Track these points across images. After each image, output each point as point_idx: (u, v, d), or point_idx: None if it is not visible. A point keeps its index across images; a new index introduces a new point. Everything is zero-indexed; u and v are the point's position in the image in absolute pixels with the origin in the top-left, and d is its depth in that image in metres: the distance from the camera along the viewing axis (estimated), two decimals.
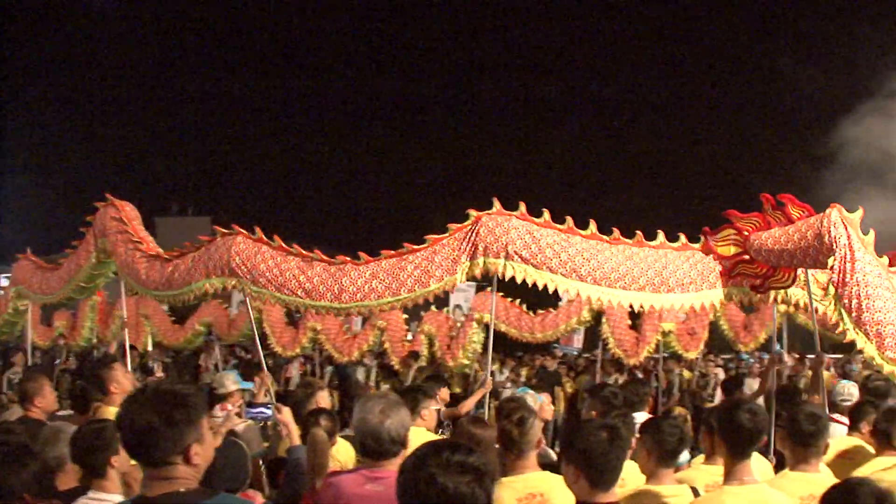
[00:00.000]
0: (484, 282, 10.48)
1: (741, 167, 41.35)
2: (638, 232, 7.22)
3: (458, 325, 15.40)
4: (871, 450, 5.46)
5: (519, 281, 7.08)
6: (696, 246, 7.24)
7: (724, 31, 52.54)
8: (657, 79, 52.98)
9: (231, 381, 7.60)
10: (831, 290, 6.91)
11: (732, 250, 7.54)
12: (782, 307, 8.76)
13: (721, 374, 15.41)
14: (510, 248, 7.02)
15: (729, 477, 3.98)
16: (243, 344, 18.60)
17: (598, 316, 14.20)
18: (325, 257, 7.45)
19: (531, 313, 15.10)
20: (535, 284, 7.16)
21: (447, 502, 2.33)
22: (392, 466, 3.66)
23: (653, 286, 7.12)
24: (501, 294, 14.89)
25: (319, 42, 61.18)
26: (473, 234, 7.14)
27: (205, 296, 8.32)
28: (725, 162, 43.92)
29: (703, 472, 4.83)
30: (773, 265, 7.33)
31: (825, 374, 14.89)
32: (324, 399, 6.93)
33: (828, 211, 6.80)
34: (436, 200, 39.92)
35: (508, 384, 15.40)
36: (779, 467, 5.35)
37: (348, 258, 7.41)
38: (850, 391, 7.64)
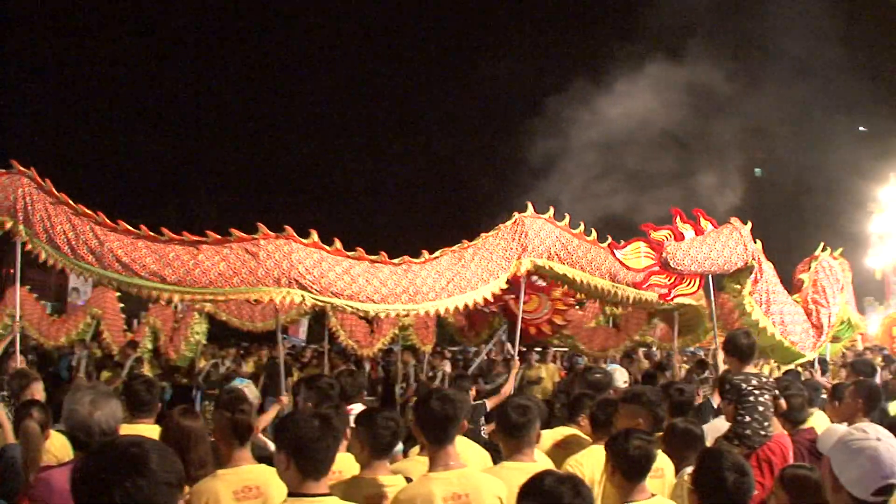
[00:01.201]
0: None
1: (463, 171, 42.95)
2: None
3: (181, 316, 15.03)
4: (588, 439, 5.66)
5: None
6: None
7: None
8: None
9: None
10: (749, 287, 9.13)
11: (644, 262, 8.60)
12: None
13: (448, 367, 15.88)
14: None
15: (433, 464, 4.07)
16: None
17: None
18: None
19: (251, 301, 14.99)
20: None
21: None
22: None
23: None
24: None
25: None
26: None
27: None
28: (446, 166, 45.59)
29: (419, 462, 4.73)
30: (692, 272, 8.76)
31: (552, 366, 15.93)
32: (38, 390, 6.60)
33: (739, 224, 8.87)
34: None
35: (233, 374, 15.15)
36: None
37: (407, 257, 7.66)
38: None
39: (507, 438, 4.55)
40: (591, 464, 4.94)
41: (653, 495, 4.18)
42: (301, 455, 3.38)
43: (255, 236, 7.22)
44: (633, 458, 4.07)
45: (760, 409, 5.67)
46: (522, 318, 10.80)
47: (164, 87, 51.09)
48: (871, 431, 3.03)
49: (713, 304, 9.54)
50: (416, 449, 5.24)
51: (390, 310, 7.62)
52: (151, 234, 7.18)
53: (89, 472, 2.27)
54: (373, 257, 7.61)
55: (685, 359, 19.31)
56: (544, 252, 8.15)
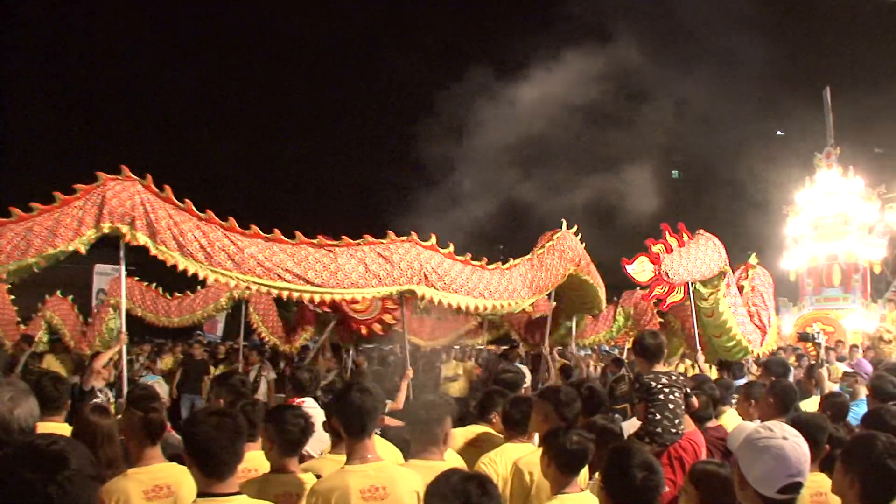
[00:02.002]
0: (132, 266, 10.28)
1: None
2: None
3: (95, 311, 14.73)
4: (499, 437, 5.66)
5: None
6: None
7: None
8: None
9: None
10: (723, 289, 10.20)
11: (648, 276, 9.36)
12: None
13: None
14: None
15: (350, 456, 4.06)
16: None
17: (237, 303, 14.18)
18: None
19: (168, 296, 14.78)
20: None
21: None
22: None
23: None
24: (137, 278, 14.53)
25: None
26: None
27: None
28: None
29: (330, 461, 4.70)
30: (683, 281, 9.69)
31: (468, 364, 16.02)
32: None
33: (710, 234, 10.16)
34: None
35: (144, 372, 14.90)
36: None
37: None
38: None
39: (415, 435, 4.54)
40: (503, 462, 4.95)
41: (582, 490, 4.25)
42: (201, 455, 3.33)
43: (384, 241, 8.35)
44: (571, 452, 4.13)
45: (671, 406, 5.74)
46: (353, 317, 11.59)
47: None
48: (777, 430, 3.08)
49: (694, 312, 10.15)
50: (328, 447, 5.18)
51: (488, 303, 8.95)
52: (283, 238, 7.90)
53: (12, 472, 2.22)
54: (475, 263, 8.99)
55: (595, 356, 19.70)
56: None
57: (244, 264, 7.66)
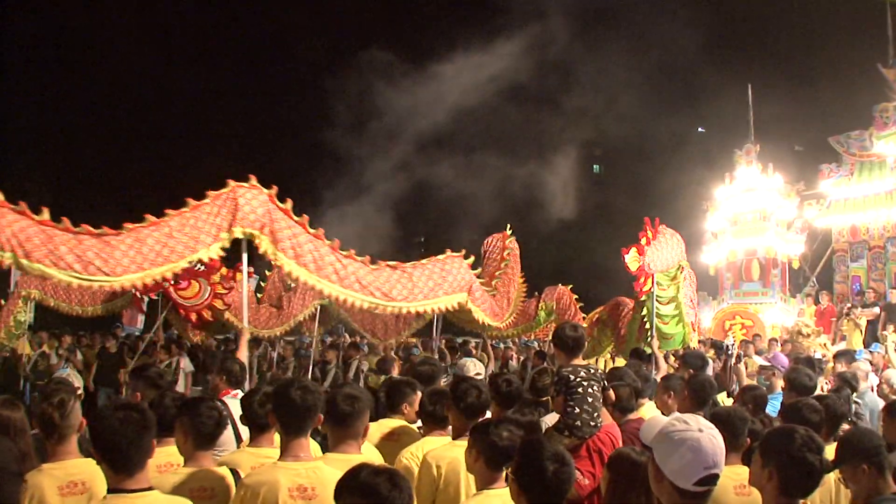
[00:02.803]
0: None
1: None
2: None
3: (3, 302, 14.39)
4: (415, 429, 5.74)
5: None
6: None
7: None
8: None
9: None
10: (679, 280, 11.31)
11: (636, 266, 10.34)
12: None
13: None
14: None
15: (284, 453, 4.03)
16: None
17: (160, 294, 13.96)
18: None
19: None
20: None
21: None
22: None
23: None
24: None
25: None
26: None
27: None
28: None
29: (249, 454, 4.71)
30: (655, 271, 10.62)
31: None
32: None
33: (671, 230, 11.21)
34: None
35: (64, 364, 14.58)
36: None
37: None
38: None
39: (334, 428, 4.46)
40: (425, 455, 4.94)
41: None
42: (108, 450, 3.30)
43: (442, 257, 9.69)
44: (501, 448, 4.09)
45: (589, 399, 5.75)
46: (182, 304, 11.99)
47: None
48: (692, 422, 3.10)
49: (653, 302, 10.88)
50: (246, 441, 5.11)
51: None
52: (358, 259, 8.92)
53: None
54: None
55: (515, 349, 19.82)
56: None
57: (346, 279, 8.68)
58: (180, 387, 12.81)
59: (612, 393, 6.06)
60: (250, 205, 8.10)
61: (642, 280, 10.55)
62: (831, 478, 4.66)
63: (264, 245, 8.16)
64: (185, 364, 13.75)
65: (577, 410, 5.73)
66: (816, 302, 21.52)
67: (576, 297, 15.02)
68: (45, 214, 7.05)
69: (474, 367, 7.81)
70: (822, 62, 39.45)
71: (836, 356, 11.39)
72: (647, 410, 6.85)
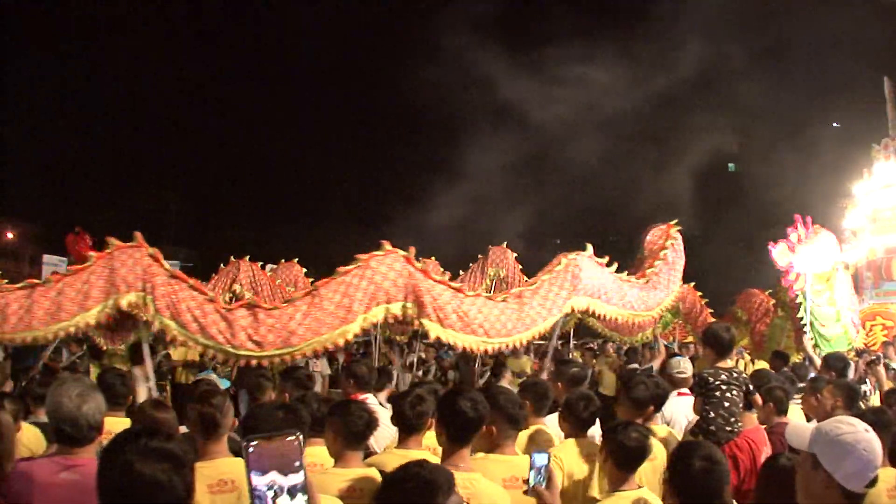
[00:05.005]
0: None
1: None
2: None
3: None
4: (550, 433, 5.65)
5: None
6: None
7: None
8: None
9: None
10: (834, 280, 11.84)
11: (785, 261, 10.88)
12: None
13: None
14: None
15: (445, 461, 4.03)
16: None
17: None
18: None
19: None
20: None
21: (144, 490, 2.21)
22: (87, 454, 3.54)
23: None
24: None
25: None
26: None
27: None
28: None
29: (397, 456, 4.47)
30: (810, 269, 11.10)
31: (525, 358, 15.96)
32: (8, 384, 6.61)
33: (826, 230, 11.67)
34: None
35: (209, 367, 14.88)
36: None
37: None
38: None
39: (504, 428, 4.52)
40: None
41: (639, 486, 4.21)
42: None
43: (504, 295, 8.73)
44: (629, 448, 4.12)
45: (726, 404, 5.67)
46: None
47: None
48: (857, 424, 3.01)
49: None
50: (394, 442, 5.06)
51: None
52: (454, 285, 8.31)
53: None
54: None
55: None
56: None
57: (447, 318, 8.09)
58: (317, 390, 13.01)
59: (757, 397, 5.95)
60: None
61: (792, 277, 10.78)
62: None
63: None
64: (323, 367, 13.96)
65: (713, 414, 5.66)
66: None
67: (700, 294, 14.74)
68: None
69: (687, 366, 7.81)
70: None
71: None
72: (793, 414, 6.69)
